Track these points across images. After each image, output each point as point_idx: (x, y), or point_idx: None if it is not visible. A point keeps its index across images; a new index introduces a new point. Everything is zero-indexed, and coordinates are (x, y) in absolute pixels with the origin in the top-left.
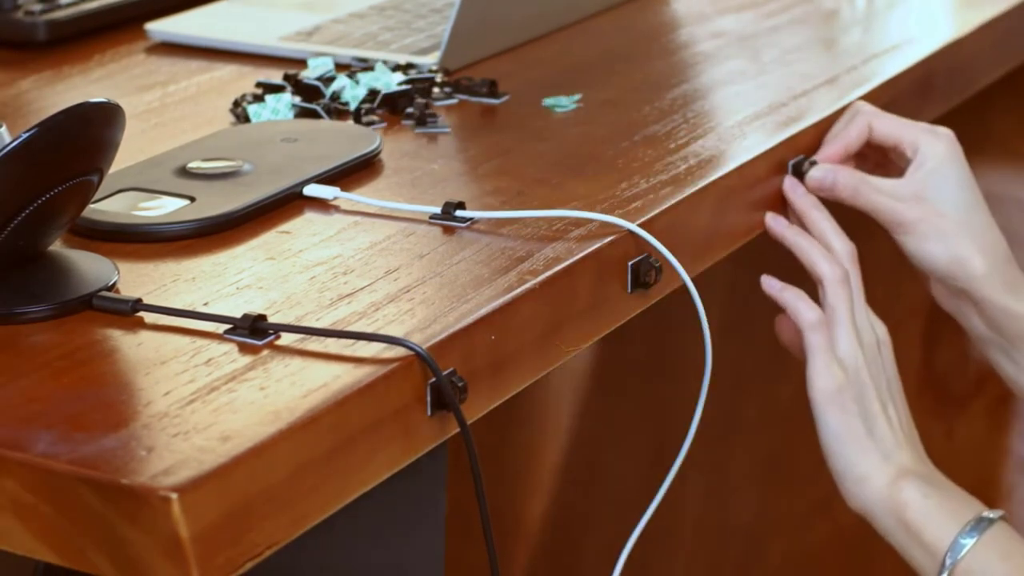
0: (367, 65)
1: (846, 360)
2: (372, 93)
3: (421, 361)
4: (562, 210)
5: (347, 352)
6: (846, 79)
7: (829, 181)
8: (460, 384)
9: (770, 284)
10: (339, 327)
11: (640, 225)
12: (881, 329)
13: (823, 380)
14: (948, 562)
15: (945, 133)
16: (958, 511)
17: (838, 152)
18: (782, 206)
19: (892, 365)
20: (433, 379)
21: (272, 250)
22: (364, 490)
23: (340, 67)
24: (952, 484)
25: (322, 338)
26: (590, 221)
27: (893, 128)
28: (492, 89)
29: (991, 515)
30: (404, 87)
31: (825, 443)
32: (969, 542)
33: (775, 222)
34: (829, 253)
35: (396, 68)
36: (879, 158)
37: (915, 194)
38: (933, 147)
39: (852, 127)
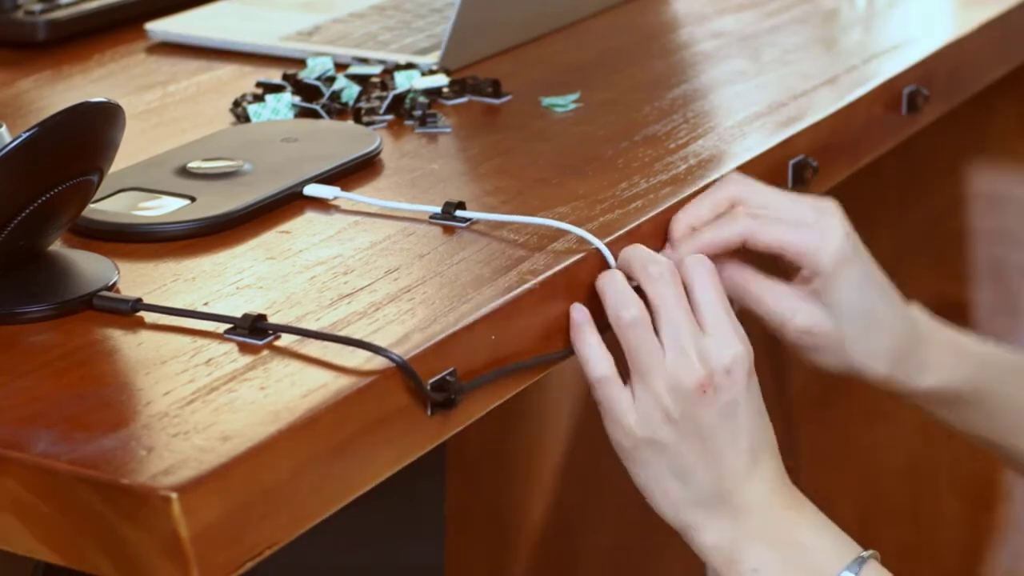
0: (393, 66)
1: (645, 417)
2: (398, 96)
3: (421, 362)
4: (544, 219)
5: (347, 352)
6: (846, 79)
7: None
8: (454, 384)
9: (574, 316)
10: (340, 327)
11: (640, 225)
12: (730, 350)
13: (617, 435)
14: None
15: (834, 231)
16: None
17: (702, 251)
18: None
19: (737, 393)
20: (433, 379)
21: (272, 250)
22: (364, 490)
23: (340, 67)
24: (807, 527)
25: (323, 338)
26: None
27: (773, 240)
28: (496, 89)
29: None
30: (431, 87)
31: (639, 488)
32: None
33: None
34: (628, 291)
35: (397, 68)
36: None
37: (805, 310)
38: (821, 260)
39: (726, 230)
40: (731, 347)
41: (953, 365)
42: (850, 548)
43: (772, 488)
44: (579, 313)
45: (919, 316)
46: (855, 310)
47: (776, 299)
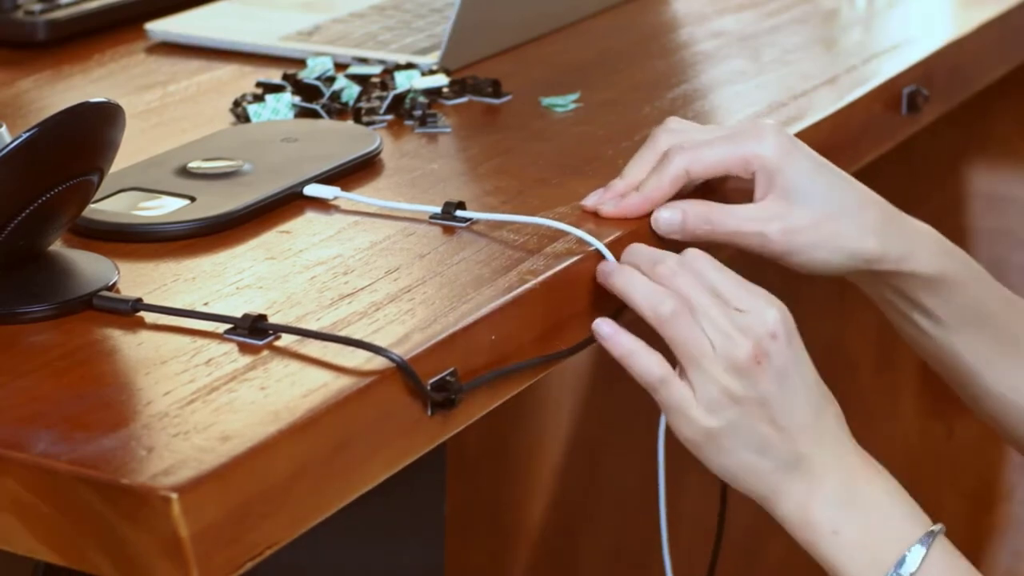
0: (393, 66)
1: (710, 405)
2: (398, 96)
3: (421, 362)
4: (544, 219)
5: (347, 352)
6: (846, 79)
7: (678, 220)
8: (454, 384)
9: (601, 330)
10: (340, 327)
11: (641, 225)
12: (768, 315)
13: (685, 431)
14: None
15: (769, 131)
16: (875, 548)
17: (645, 208)
18: None
19: (787, 354)
20: (433, 379)
21: (272, 250)
22: (364, 490)
23: (340, 67)
24: (882, 491)
25: (323, 338)
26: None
27: (713, 161)
28: (496, 89)
29: (910, 563)
30: (431, 87)
31: (718, 474)
32: None
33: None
34: (654, 286)
35: (397, 68)
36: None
37: (775, 213)
38: (765, 158)
39: (664, 176)
40: (766, 313)
41: (935, 246)
42: (922, 520)
43: (841, 446)
44: (607, 326)
45: (884, 201)
46: (821, 194)
47: (746, 218)
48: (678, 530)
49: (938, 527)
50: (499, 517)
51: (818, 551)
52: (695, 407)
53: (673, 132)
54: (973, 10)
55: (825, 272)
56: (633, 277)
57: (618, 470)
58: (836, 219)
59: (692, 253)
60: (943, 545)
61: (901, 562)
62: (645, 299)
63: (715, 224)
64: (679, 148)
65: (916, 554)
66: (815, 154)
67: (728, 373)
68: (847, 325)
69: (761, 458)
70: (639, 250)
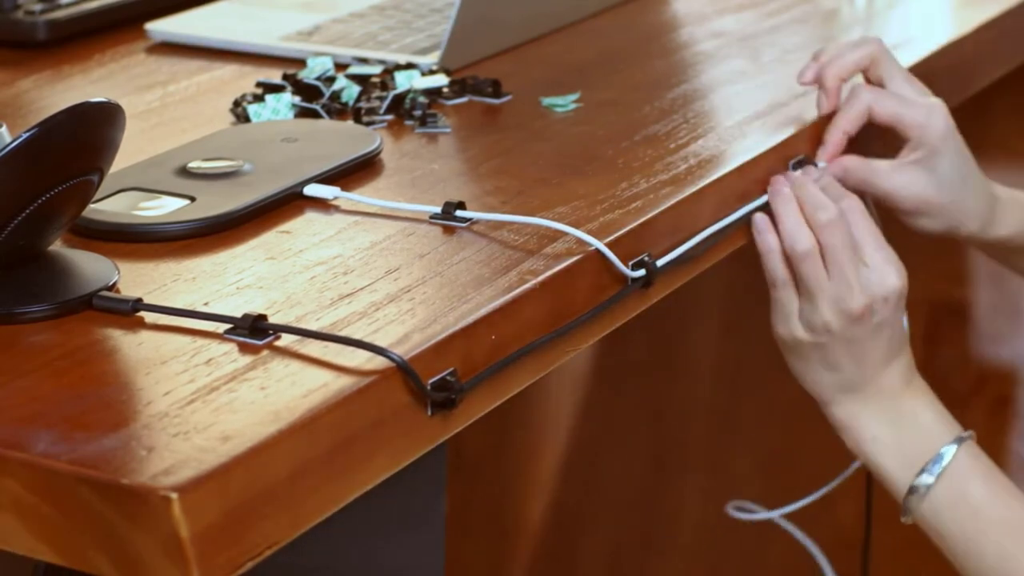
0: (393, 66)
1: (809, 326)
2: (398, 96)
3: (421, 362)
4: (544, 219)
5: (347, 352)
6: None
7: (839, 174)
8: (454, 384)
9: (757, 223)
10: (339, 327)
11: (641, 224)
12: (890, 282)
13: (782, 333)
14: (909, 506)
15: (939, 107)
16: (909, 450)
17: (839, 140)
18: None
19: (890, 316)
20: (433, 379)
21: (272, 250)
22: (364, 490)
23: (340, 67)
24: (922, 405)
25: (323, 338)
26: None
27: (891, 109)
28: (496, 89)
29: (944, 459)
30: (431, 87)
31: (790, 368)
32: (928, 481)
33: (761, 219)
34: (801, 226)
35: (397, 68)
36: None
37: (911, 182)
38: (930, 134)
39: (852, 111)
40: (889, 280)
41: (1020, 218)
42: (954, 428)
43: (900, 376)
44: (762, 222)
45: (989, 180)
46: (954, 179)
47: (889, 177)
48: (678, 530)
49: (967, 433)
50: (499, 517)
51: (860, 452)
52: (796, 319)
53: (876, 45)
54: (973, 10)
55: (926, 232)
56: (790, 209)
57: (618, 470)
58: (956, 201)
59: (851, 207)
60: (971, 446)
61: (937, 459)
62: (788, 232)
63: (865, 183)
64: (872, 91)
65: (947, 453)
66: (961, 138)
67: (834, 312)
68: None
69: (830, 374)
70: (809, 189)
